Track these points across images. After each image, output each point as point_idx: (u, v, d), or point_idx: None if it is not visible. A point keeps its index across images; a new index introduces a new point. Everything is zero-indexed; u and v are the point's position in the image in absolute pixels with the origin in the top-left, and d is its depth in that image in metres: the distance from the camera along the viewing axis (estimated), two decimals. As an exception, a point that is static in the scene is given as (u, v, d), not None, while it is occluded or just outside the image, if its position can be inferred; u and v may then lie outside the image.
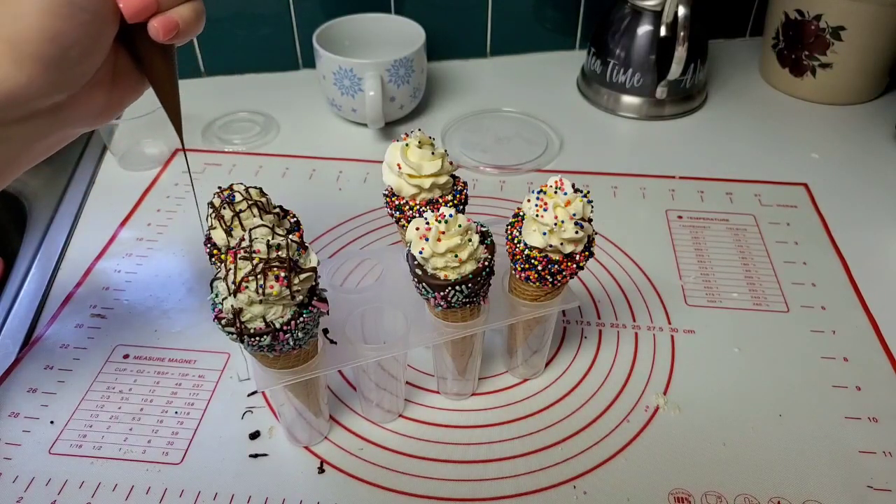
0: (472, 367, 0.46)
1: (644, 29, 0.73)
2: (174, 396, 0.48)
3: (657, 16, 0.72)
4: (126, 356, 0.50)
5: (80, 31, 0.31)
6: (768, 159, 0.70)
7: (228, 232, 0.40)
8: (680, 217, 0.63)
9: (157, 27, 0.33)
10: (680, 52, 0.70)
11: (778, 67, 0.81)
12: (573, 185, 0.39)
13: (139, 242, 0.60)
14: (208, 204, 0.41)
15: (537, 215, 0.38)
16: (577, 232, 0.38)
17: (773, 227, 0.62)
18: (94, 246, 0.60)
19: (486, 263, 0.39)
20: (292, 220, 0.43)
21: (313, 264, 0.36)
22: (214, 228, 0.40)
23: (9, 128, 0.32)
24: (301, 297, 0.35)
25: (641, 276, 0.57)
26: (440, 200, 0.44)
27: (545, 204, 0.38)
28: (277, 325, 0.34)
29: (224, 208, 0.40)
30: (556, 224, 0.38)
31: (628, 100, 0.77)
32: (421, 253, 0.37)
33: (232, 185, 0.41)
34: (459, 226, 0.38)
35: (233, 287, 0.34)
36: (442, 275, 0.38)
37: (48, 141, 0.35)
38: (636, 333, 0.52)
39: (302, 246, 0.36)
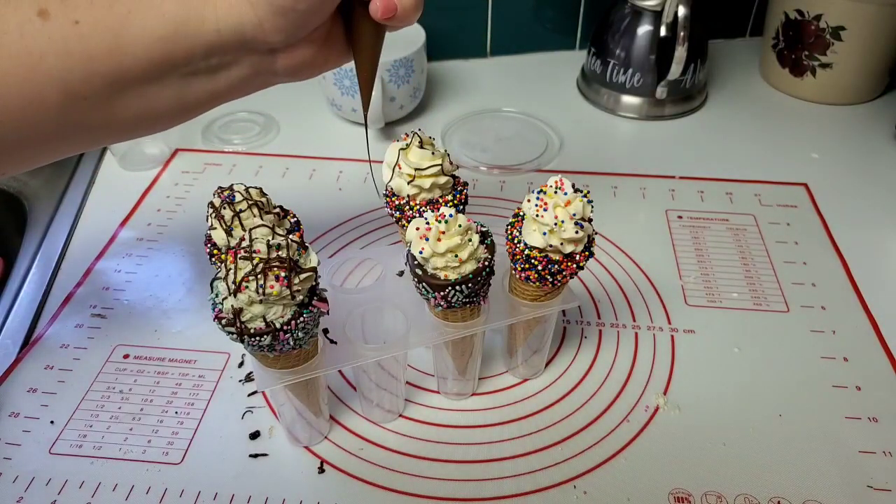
0: (472, 367, 0.46)
1: (644, 29, 0.73)
2: (174, 396, 0.48)
3: (657, 16, 0.72)
4: (126, 356, 0.50)
5: None
6: (768, 159, 0.71)
7: (228, 232, 0.40)
8: (680, 217, 0.63)
9: (378, 6, 0.36)
10: (680, 52, 0.70)
11: (778, 67, 0.81)
12: (573, 185, 0.39)
13: (139, 242, 0.60)
14: (208, 204, 0.41)
15: (537, 215, 0.38)
16: (577, 232, 0.38)
17: (773, 227, 0.62)
18: (94, 246, 0.60)
19: (486, 263, 0.39)
20: (292, 220, 0.43)
21: (313, 264, 0.36)
22: (214, 228, 0.40)
23: (229, 63, 0.36)
24: (301, 297, 0.35)
25: (641, 276, 0.57)
26: (440, 200, 0.44)
27: (545, 204, 0.38)
28: (278, 325, 0.34)
29: (224, 208, 0.40)
30: (556, 224, 0.38)
31: (628, 100, 0.77)
32: (421, 253, 0.38)
33: (232, 185, 0.42)
34: (459, 226, 0.38)
35: (233, 287, 0.34)
36: (442, 275, 0.38)
37: (254, 82, 0.38)
38: (636, 333, 0.52)
39: (302, 246, 0.36)
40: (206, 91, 0.37)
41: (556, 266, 0.39)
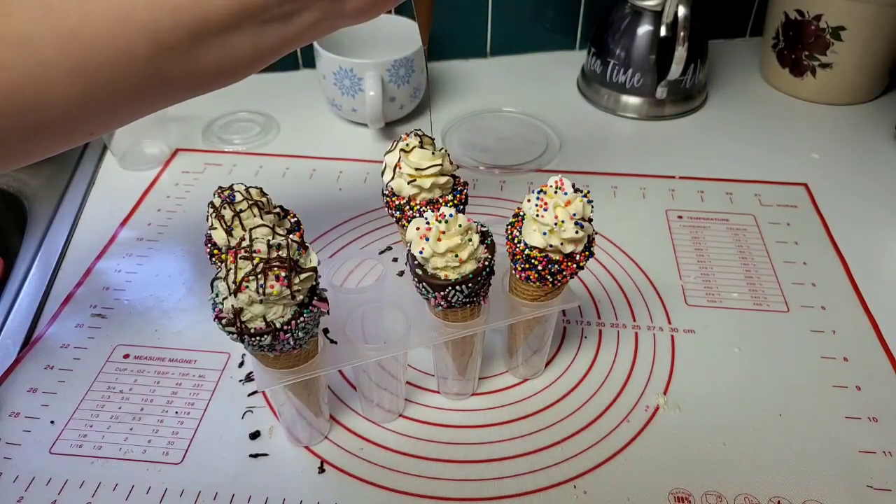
0: (472, 367, 0.46)
1: (644, 29, 0.73)
2: (174, 396, 0.48)
3: (657, 16, 0.72)
4: (126, 356, 0.50)
5: None
6: (768, 159, 0.71)
7: (229, 232, 0.40)
8: (680, 217, 0.63)
9: None
10: (680, 52, 0.70)
11: (778, 67, 0.81)
12: (573, 185, 0.39)
13: (139, 242, 0.60)
14: (209, 204, 0.41)
15: (537, 215, 0.38)
16: (577, 232, 0.38)
17: (773, 227, 0.62)
18: (94, 246, 0.60)
19: (486, 263, 0.39)
20: (292, 220, 0.43)
21: (313, 264, 0.36)
22: (215, 228, 0.40)
23: (301, 8, 0.38)
24: (301, 297, 0.35)
25: (641, 276, 0.57)
26: (440, 200, 0.44)
27: (545, 204, 0.38)
28: (278, 325, 0.34)
29: (224, 208, 0.40)
30: (556, 224, 0.38)
31: (628, 100, 0.77)
32: (421, 253, 0.38)
33: (232, 185, 0.42)
34: (459, 226, 0.38)
35: (233, 287, 0.34)
36: (442, 275, 0.38)
37: (322, 25, 0.39)
38: (636, 333, 0.52)
39: (302, 246, 0.36)
40: (279, 37, 0.38)
41: (557, 266, 0.39)
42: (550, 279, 0.40)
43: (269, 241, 0.35)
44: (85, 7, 0.32)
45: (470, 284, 0.38)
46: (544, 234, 0.38)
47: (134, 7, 0.33)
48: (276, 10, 0.36)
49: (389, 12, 0.78)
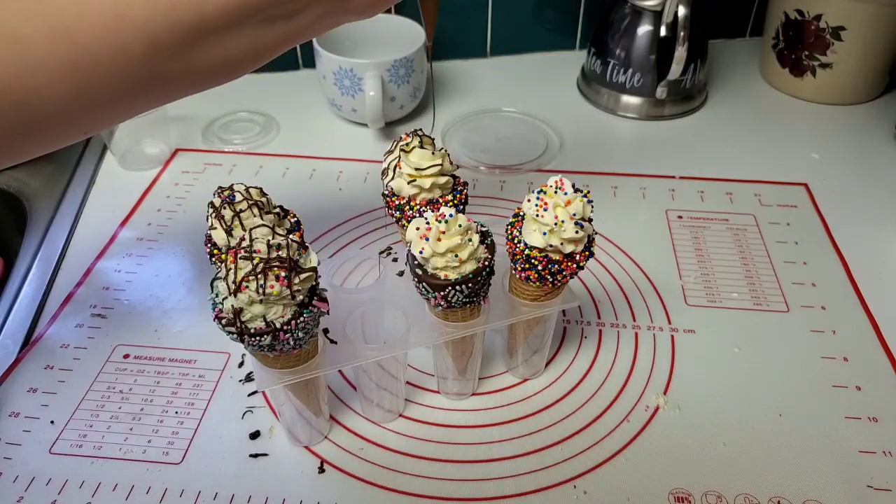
0: (472, 367, 0.46)
1: (644, 29, 0.73)
2: (174, 396, 0.48)
3: (657, 16, 0.72)
4: (126, 356, 0.50)
5: None
6: (768, 159, 0.71)
7: (229, 232, 0.40)
8: (680, 217, 0.63)
9: None
10: (680, 52, 0.70)
11: (778, 67, 0.81)
12: (573, 185, 0.39)
13: (139, 242, 0.60)
14: (209, 204, 0.41)
15: (537, 215, 0.38)
16: (577, 232, 0.38)
17: (773, 227, 0.62)
18: (94, 246, 0.60)
19: (486, 263, 0.39)
20: (292, 220, 0.43)
21: (313, 264, 0.36)
22: (215, 228, 0.40)
23: (305, 6, 0.36)
24: (301, 297, 0.35)
25: (641, 276, 0.57)
26: (440, 200, 0.44)
27: (545, 204, 0.38)
28: (278, 325, 0.34)
29: (224, 208, 0.40)
30: (556, 224, 0.38)
31: (628, 100, 0.77)
32: (421, 253, 0.38)
33: (232, 185, 0.42)
34: (459, 226, 0.38)
35: (233, 287, 0.34)
36: (442, 275, 0.38)
37: (326, 22, 0.39)
38: (636, 333, 0.52)
39: (302, 246, 0.36)
40: (280, 35, 0.37)
41: (556, 266, 0.39)
42: (550, 279, 0.40)
43: (269, 241, 0.35)
44: (79, 5, 0.31)
45: (470, 284, 0.38)
46: (544, 234, 0.38)
47: (129, 6, 0.32)
48: (279, 9, 0.35)
49: (389, 11, 0.78)
